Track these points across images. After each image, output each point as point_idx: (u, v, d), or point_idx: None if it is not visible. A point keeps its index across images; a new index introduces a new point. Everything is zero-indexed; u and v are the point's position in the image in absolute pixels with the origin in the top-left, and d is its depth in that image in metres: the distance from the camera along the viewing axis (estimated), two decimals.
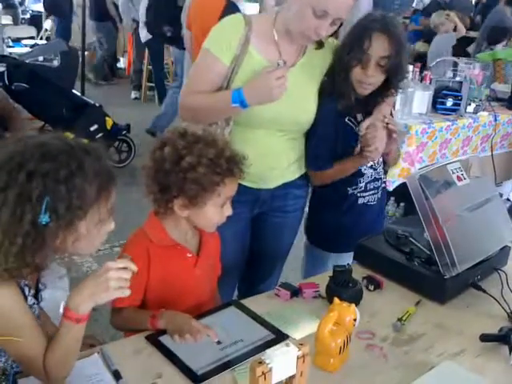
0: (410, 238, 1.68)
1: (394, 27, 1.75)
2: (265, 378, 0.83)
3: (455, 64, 4.17)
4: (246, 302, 1.52)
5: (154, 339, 1.31)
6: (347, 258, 2.07)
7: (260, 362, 0.84)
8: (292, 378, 0.89)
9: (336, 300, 1.28)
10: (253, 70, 1.69)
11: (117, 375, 1.18)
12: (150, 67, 6.71)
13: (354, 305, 1.27)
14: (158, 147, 1.41)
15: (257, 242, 2.01)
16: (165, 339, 1.31)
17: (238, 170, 1.41)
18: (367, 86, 1.79)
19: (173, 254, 1.46)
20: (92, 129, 4.12)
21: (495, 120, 3.69)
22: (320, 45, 1.81)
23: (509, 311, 1.48)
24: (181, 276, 1.47)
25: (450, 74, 4.00)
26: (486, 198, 1.63)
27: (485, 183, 1.69)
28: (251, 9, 4.56)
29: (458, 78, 3.80)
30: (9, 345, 1.05)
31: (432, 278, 1.52)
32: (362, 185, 1.93)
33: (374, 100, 1.85)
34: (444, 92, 3.55)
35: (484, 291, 1.56)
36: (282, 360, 0.87)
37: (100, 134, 4.16)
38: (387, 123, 1.82)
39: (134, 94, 7.26)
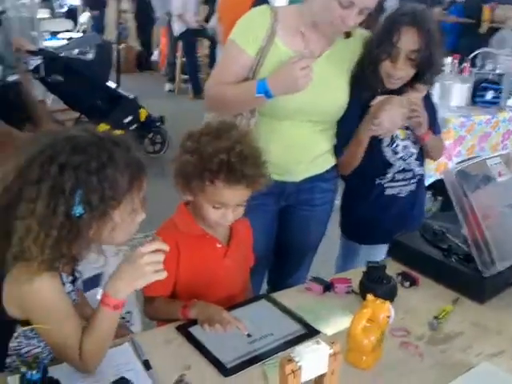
0: (448, 235, 1.63)
1: (424, 20, 1.70)
2: (294, 376, 0.81)
3: (493, 55, 4.05)
4: (277, 295, 1.50)
5: (185, 330, 1.30)
6: (379, 251, 2.02)
7: (289, 360, 0.81)
8: (323, 376, 0.86)
9: (370, 296, 1.24)
10: (279, 61, 1.67)
11: (147, 365, 1.17)
12: (184, 60, 6.75)
13: (388, 302, 1.23)
14: (185, 138, 1.40)
15: (284, 234, 1.99)
16: (195, 330, 1.30)
17: (230, 176, 1.32)
18: (396, 81, 1.75)
19: (202, 244, 1.45)
20: (126, 120, 4.17)
21: None
22: (348, 35, 1.77)
23: None
24: (210, 267, 1.46)
25: (489, 66, 3.88)
26: None
27: None
28: (280, 1, 4.51)
29: (498, 71, 3.68)
30: (45, 332, 1.06)
31: (470, 275, 1.47)
32: (390, 175, 1.88)
33: (401, 93, 1.80)
34: (483, 84, 3.45)
35: None
36: (312, 358, 0.84)
37: (134, 126, 4.20)
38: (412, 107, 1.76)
39: (168, 87, 7.31)
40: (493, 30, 5.57)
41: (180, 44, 6.59)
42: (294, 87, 1.61)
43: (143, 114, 4.29)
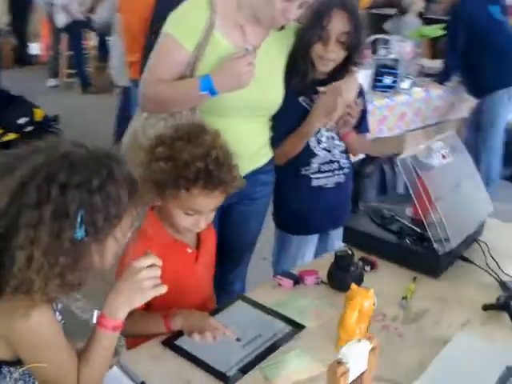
0: (397, 217, 1.72)
1: (352, 3, 1.78)
2: (344, 378, 0.82)
3: (386, 41, 4.29)
4: (250, 294, 1.50)
5: (171, 343, 1.25)
6: (310, 241, 2.10)
7: (339, 362, 0.82)
8: (363, 372, 0.88)
9: (353, 286, 1.28)
10: (218, 57, 1.64)
11: None
12: (69, 53, 6.38)
13: (372, 289, 1.27)
14: (154, 144, 1.34)
15: (225, 230, 1.98)
16: (181, 342, 1.26)
17: (208, 184, 1.30)
18: (328, 62, 1.80)
19: (173, 250, 1.41)
20: (20, 122, 3.86)
21: (428, 95, 3.85)
22: (282, 27, 1.78)
23: (499, 280, 1.55)
24: (183, 273, 1.42)
25: (382, 51, 4.10)
26: (467, 173, 1.70)
27: (464, 159, 1.75)
28: None
29: (392, 56, 3.91)
30: (42, 369, 0.97)
31: (427, 254, 1.56)
32: (315, 166, 1.92)
33: (333, 80, 1.86)
34: (382, 70, 3.64)
35: (472, 262, 1.64)
36: (358, 357, 0.86)
37: (30, 128, 3.90)
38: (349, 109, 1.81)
39: (52, 82, 6.88)
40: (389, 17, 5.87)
41: (64, 36, 6.22)
42: (238, 84, 1.60)
43: (39, 113, 4.00)
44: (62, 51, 6.59)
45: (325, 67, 1.81)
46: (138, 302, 1.04)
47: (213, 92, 1.60)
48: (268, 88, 1.75)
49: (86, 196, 0.91)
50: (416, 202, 1.56)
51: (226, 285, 1.98)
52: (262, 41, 1.74)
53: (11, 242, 0.89)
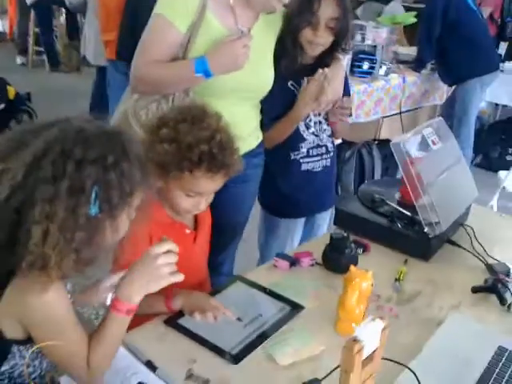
0: (387, 201, 1.75)
1: None
2: (359, 356, 0.84)
3: (362, 27, 4.32)
4: (247, 275, 1.51)
5: (174, 323, 1.26)
6: (299, 224, 2.13)
7: (355, 340, 0.84)
8: (374, 350, 0.91)
9: (352, 268, 1.30)
10: (212, 38, 1.63)
11: (151, 366, 1.12)
12: (37, 30, 6.19)
13: (370, 271, 1.30)
14: (157, 125, 1.33)
15: (218, 211, 1.98)
16: (185, 321, 1.27)
17: (211, 167, 1.31)
18: (317, 47, 1.82)
19: (171, 231, 1.40)
20: None
21: (404, 81, 3.91)
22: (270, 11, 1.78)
23: (486, 263, 1.61)
24: (181, 254, 1.39)
25: (358, 37, 4.13)
26: (455, 159, 1.74)
27: (452, 145, 1.79)
28: None
29: (368, 42, 3.95)
30: (53, 346, 0.96)
31: (418, 237, 1.60)
32: (304, 150, 1.96)
33: (321, 65, 1.88)
34: (360, 56, 3.68)
35: (459, 246, 1.69)
36: (372, 335, 0.88)
37: (2, 106, 3.79)
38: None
39: (19, 60, 6.68)
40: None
41: (32, 13, 6.02)
42: (234, 66, 1.60)
43: (11, 92, 3.89)
44: (30, 28, 6.38)
45: (313, 51, 1.82)
46: (154, 288, 1.04)
47: (208, 74, 1.59)
48: (261, 70, 1.76)
49: (101, 172, 0.90)
50: (408, 186, 1.59)
51: (216, 265, 1.98)
52: (253, 24, 1.73)
53: (27, 216, 0.87)
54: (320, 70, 1.79)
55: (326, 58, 1.86)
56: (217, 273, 1.96)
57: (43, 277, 0.88)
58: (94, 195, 0.90)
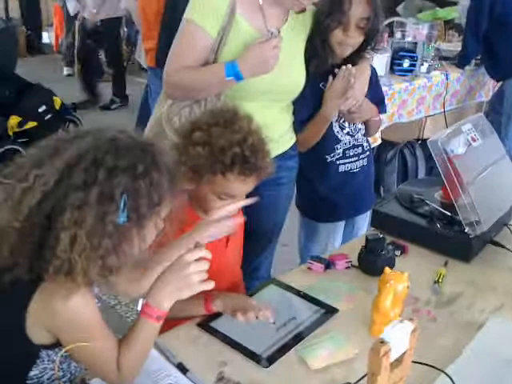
0: (427, 201, 1.70)
1: None
2: (386, 358, 0.82)
3: (402, 24, 4.24)
4: (282, 278, 1.50)
5: (207, 325, 1.26)
6: (339, 228, 2.09)
7: (382, 342, 0.82)
8: (404, 353, 0.88)
9: (387, 269, 1.27)
10: (242, 41, 1.63)
11: (182, 368, 1.13)
12: None
13: (406, 273, 1.27)
14: (190, 129, 1.34)
15: (253, 215, 1.98)
16: (217, 324, 1.27)
17: (244, 170, 1.31)
18: (347, 48, 1.79)
19: None
20: (41, 110, 3.87)
21: (447, 79, 3.80)
22: (301, 10, 1.77)
23: None
24: (214, 258, 1.40)
25: (399, 34, 4.06)
26: (497, 156, 1.68)
27: (494, 142, 1.73)
28: None
29: (409, 39, 3.87)
30: (82, 351, 0.98)
31: (458, 238, 1.55)
32: (340, 151, 1.93)
33: (350, 63, 1.85)
34: (401, 53, 3.60)
35: (503, 246, 1.63)
36: (399, 337, 0.86)
37: (49, 115, 3.92)
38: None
39: (66, 71, 6.87)
40: None
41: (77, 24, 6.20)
42: (264, 68, 1.60)
43: (57, 102, 4.01)
44: (76, 39, 6.57)
45: (343, 52, 1.80)
46: (185, 295, 1.04)
47: (238, 77, 1.59)
48: (291, 71, 1.75)
49: (131, 181, 0.92)
50: (446, 184, 1.55)
51: (252, 271, 1.98)
52: (283, 24, 1.73)
53: (56, 222, 0.89)
54: (343, 67, 1.77)
55: (354, 58, 1.84)
56: (253, 278, 1.96)
57: (69, 282, 0.90)
58: (122, 203, 0.91)
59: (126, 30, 6.37)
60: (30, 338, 0.99)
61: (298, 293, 1.40)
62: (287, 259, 2.28)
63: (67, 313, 0.94)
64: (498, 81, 3.97)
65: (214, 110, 1.40)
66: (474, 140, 1.61)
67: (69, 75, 6.87)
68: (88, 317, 0.98)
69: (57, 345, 1.01)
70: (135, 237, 0.96)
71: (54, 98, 4.02)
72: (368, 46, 1.83)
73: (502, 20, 3.67)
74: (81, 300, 0.94)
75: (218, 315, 1.30)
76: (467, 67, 3.93)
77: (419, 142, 3.64)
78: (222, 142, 1.28)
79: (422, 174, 3.41)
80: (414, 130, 3.85)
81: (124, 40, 6.40)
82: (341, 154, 1.93)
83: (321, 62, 1.79)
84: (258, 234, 2.03)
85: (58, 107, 4.00)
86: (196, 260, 1.04)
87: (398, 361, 0.86)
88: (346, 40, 1.76)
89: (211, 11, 1.62)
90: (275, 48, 1.58)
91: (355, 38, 1.76)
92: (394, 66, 3.58)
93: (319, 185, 1.99)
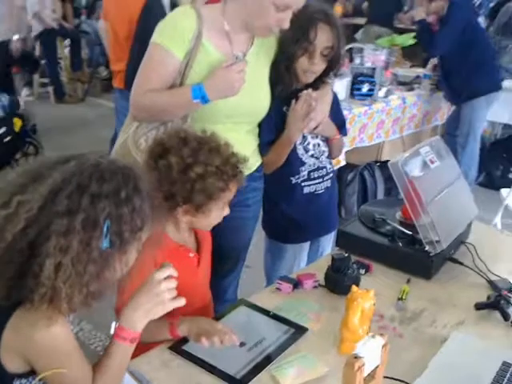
0: (388, 221, 1.76)
1: (335, 17, 1.83)
2: (360, 372, 0.85)
3: (361, 50, 4.37)
4: (251, 299, 1.52)
5: (179, 349, 1.27)
6: (305, 248, 2.14)
7: (356, 357, 0.85)
8: (376, 367, 0.92)
9: (354, 288, 1.31)
10: (208, 64, 1.67)
11: None
12: (42, 62, 6.31)
13: (372, 290, 1.31)
14: (159, 154, 1.36)
15: (220, 237, 2.00)
16: (189, 347, 1.28)
17: (241, 173, 1.43)
18: (311, 75, 1.85)
19: (176, 256, 1.42)
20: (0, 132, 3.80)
21: (404, 103, 3.94)
22: None
23: (488, 279, 1.62)
24: (186, 278, 1.42)
25: (358, 60, 4.19)
26: (454, 177, 1.76)
27: (451, 163, 1.81)
28: None
29: (368, 64, 4.00)
30: (57, 379, 0.97)
31: (419, 256, 1.61)
32: (305, 173, 1.97)
33: (313, 88, 1.91)
34: (360, 78, 3.72)
35: (461, 264, 1.70)
36: (372, 352, 0.89)
37: (8, 138, 3.85)
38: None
39: (24, 92, 6.77)
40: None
41: (37, 45, 6.14)
42: (230, 91, 1.64)
43: (18, 123, 3.94)
44: None
45: (307, 79, 1.85)
46: (158, 314, 1.06)
47: (205, 99, 1.63)
48: (256, 94, 1.79)
49: (114, 207, 0.93)
50: (407, 205, 1.61)
51: (219, 292, 1.99)
52: (248, 49, 1.78)
53: (41, 249, 0.89)
54: (305, 91, 1.82)
55: (317, 83, 1.90)
56: (221, 299, 1.97)
57: (51, 310, 0.90)
58: (106, 229, 0.92)
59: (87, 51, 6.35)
60: (3, 366, 0.98)
61: (267, 313, 1.42)
62: (252, 281, 2.30)
63: (48, 341, 0.94)
64: (456, 104, 4.13)
65: (189, 139, 1.43)
66: (432, 162, 1.69)
67: (27, 96, 6.77)
68: (68, 343, 0.98)
69: (30, 373, 1.00)
70: (117, 262, 0.97)
71: (15, 119, 3.96)
72: (331, 72, 1.89)
73: (469, 44, 3.80)
74: (60, 328, 0.94)
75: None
76: (423, 92, 4.09)
77: (378, 163, 3.75)
78: (218, 162, 1.38)
79: (380, 194, 3.50)
80: (373, 152, 3.95)
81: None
82: (306, 176, 1.98)
83: (285, 87, 1.84)
84: (225, 255, 2.04)
85: (17, 130, 3.93)
86: (165, 278, 1.05)
87: (371, 375, 0.90)
88: (311, 67, 1.81)
89: (178, 35, 1.66)
90: (241, 72, 1.62)
91: (319, 66, 1.82)
92: (353, 91, 3.70)
93: (285, 206, 2.02)
